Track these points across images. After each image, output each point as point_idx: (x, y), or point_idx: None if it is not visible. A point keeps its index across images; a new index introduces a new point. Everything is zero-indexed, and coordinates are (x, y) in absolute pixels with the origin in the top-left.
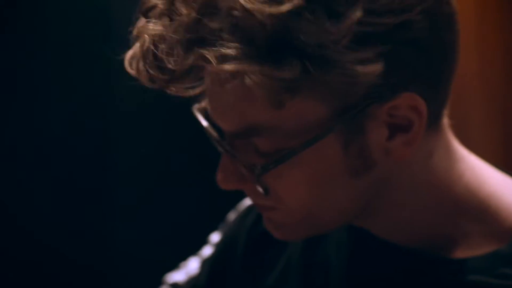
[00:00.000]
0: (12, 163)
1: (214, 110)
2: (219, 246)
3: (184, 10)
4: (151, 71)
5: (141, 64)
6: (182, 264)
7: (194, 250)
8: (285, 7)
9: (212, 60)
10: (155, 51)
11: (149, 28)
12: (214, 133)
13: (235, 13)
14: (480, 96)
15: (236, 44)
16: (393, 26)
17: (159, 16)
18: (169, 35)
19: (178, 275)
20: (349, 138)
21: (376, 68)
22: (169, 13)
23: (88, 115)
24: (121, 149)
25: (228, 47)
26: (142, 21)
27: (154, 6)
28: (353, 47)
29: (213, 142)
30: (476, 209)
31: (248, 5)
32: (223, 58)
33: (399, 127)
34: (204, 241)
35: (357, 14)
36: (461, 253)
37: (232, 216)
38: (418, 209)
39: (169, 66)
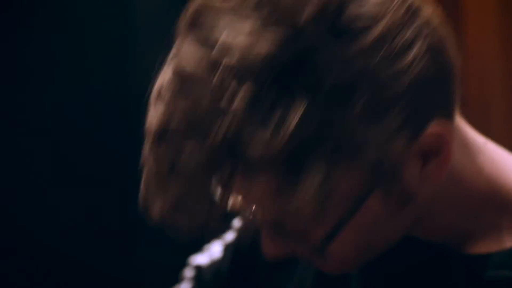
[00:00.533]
0: (27, 160)
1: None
2: (241, 231)
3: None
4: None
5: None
6: (206, 247)
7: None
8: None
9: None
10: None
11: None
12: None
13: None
14: (501, 81)
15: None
16: (405, 86)
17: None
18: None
19: (201, 258)
20: (388, 188)
21: (404, 137)
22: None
23: (106, 112)
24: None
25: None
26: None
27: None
28: (373, 123)
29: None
30: (501, 203)
31: (252, 136)
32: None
33: (430, 153)
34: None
35: (367, 93)
36: (485, 248)
37: None
38: (442, 212)
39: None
